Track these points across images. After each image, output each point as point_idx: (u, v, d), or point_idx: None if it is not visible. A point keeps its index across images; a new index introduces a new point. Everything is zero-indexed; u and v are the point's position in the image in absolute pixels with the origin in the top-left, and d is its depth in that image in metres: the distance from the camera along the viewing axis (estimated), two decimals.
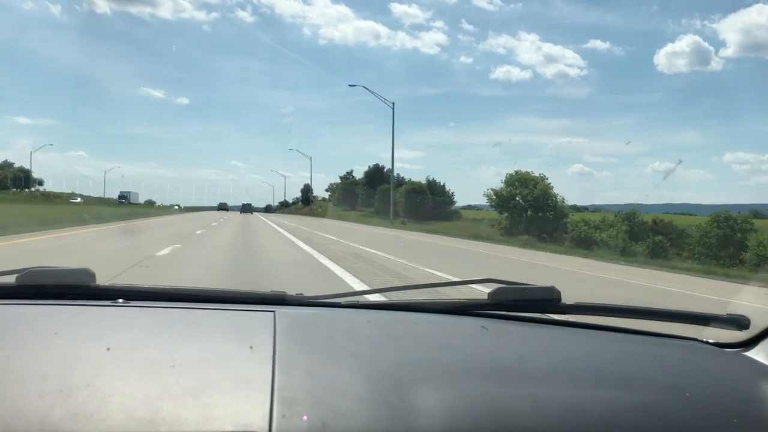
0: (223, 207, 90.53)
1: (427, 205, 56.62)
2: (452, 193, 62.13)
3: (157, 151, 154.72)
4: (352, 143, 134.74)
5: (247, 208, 78.12)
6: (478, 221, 48.51)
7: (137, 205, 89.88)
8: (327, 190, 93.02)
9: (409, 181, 63.34)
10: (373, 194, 66.44)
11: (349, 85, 71.80)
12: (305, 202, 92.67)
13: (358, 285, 8.76)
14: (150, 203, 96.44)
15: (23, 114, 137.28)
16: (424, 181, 62.33)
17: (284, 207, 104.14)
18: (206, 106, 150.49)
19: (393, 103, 48.54)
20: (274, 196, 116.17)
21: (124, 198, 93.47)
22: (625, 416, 0.91)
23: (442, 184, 62.98)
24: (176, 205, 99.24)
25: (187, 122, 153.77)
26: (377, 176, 69.85)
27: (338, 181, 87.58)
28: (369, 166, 79.91)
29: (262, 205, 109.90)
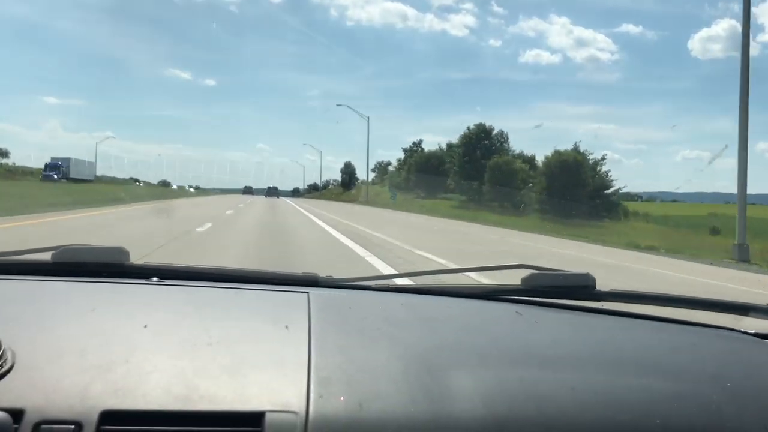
0: (248, 190, 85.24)
1: (579, 192, 33.13)
2: (608, 173, 38.14)
3: (183, 132, 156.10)
4: (379, 128, 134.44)
5: (272, 192, 74.95)
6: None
7: (84, 182, 58.09)
8: (374, 170, 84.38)
9: (555, 151, 37.62)
10: (475, 170, 42.05)
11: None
12: (346, 185, 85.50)
13: None
14: (165, 184, 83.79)
15: (52, 94, 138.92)
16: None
17: (314, 191, 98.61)
18: (232, 88, 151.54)
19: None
20: (304, 179, 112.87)
21: (54, 170, 57.40)
22: (664, 405, 0.89)
23: (597, 157, 38.40)
24: (193, 186, 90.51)
25: (214, 104, 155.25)
26: (478, 144, 42.80)
27: (400, 156, 73.91)
28: (468, 128, 51.63)
29: (289, 188, 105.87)
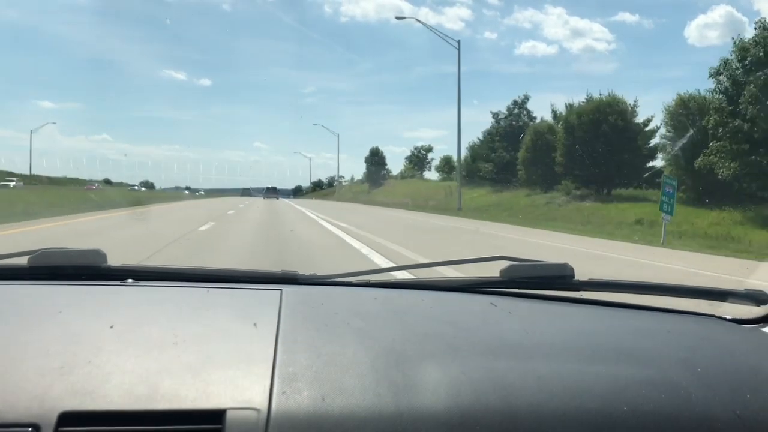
0: (246, 192, 79.15)
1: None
2: None
3: (180, 133, 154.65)
4: (375, 124, 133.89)
5: (271, 193, 65.91)
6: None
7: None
8: (411, 158, 73.53)
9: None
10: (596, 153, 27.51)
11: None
12: (373, 179, 69.86)
13: None
14: (148, 185, 79.49)
15: (47, 98, 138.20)
16: None
17: (319, 188, 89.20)
18: (228, 87, 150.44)
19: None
20: (311, 175, 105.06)
21: None
22: (633, 391, 0.89)
23: None
24: (186, 188, 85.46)
25: (210, 104, 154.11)
26: (604, 120, 28.02)
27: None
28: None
29: (290, 186, 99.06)
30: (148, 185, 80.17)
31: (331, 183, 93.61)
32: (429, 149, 76.02)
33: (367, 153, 75.71)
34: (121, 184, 74.12)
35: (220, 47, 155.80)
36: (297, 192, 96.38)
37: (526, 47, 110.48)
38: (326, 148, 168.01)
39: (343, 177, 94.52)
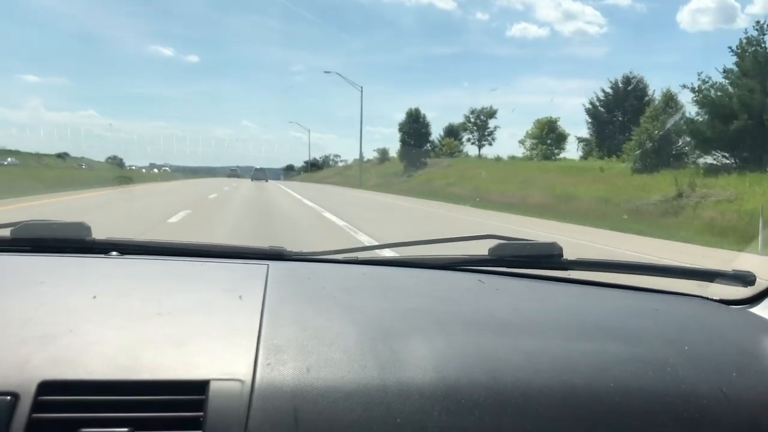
0: (233, 173, 69.07)
1: None
2: None
3: (167, 110, 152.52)
4: (365, 104, 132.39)
5: (260, 175, 55.99)
6: None
7: None
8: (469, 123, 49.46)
9: None
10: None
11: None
12: (410, 159, 44.51)
13: None
14: (117, 162, 66.78)
15: (31, 72, 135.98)
16: None
17: (316, 168, 76.26)
18: (216, 64, 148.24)
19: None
20: (310, 153, 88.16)
21: None
22: (619, 368, 0.89)
23: None
24: (159, 167, 73.25)
25: (197, 81, 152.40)
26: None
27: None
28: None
29: (279, 166, 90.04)
30: (117, 161, 68.88)
31: (327, 162, 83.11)
32: (491, 113, 49.15)
33: (354, 133, 60.37)
34: (82, 159, 63.93)
35: (209, 23, 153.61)
36: (289, 172, 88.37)
37: (517, 29, 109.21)
38: (316, 128, 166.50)
39: (339, 156, 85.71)
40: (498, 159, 43.20)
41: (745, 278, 1.24)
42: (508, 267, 1.29)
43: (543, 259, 1.29)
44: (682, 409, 0.85)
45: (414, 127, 49.44)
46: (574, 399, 0.84)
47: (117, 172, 46.77)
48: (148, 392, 0.75)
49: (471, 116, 52.49)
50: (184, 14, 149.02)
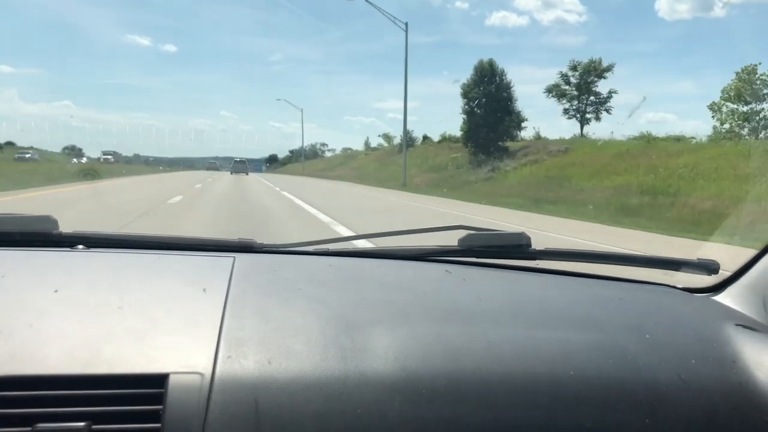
0: (212, 166, 63.55)
1: None
2: None
3: (145, 101, 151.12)
4: (344, 93, 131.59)
5: (240, 167, 50.46)
6: None
7: None
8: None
9: None
10: None
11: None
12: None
13: None
14: (76, 152, 57.56)
15: (6, 63, 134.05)
16: None
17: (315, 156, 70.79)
18: (193, 54, 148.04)
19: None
20: (301, 141, 76.49)
21: None
22: (580, 356, 0.90)
23: None
24: (110, 154, 61.15)
25: (175, 71, 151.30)
26: None
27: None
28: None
29: (258, 156, 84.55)
30: (75, 151, 59.08)
31: (315, 152, 78.32)
32: (603, 69, 33.05)
33: (337, 122, 50.29)
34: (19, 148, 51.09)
35: (186, 12, 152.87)
36: (273, 164, 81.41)
37: (497, 17, 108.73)
38: (295, 118, 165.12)
39: (326, 145, 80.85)
40: (679, 139, 25.05)
41: (709, 267, 1.25)
42: (477, 257, 1.30)
43: (511, 249, 1.30)
44: (640, 395, 0.86)
45: (488, 91, 30.97)
46: (534, 387, 0.85)
47: (74, 165, 41.31)
48: (106, 386, 0.75)
49: (571, 74, 33.17)
50: (161, 3, 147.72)
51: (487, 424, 0.81)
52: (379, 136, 57.40)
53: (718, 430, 0.86)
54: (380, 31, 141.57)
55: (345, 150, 70.69)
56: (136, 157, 79.76)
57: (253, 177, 41.55)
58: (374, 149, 54.05)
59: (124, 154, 74.04)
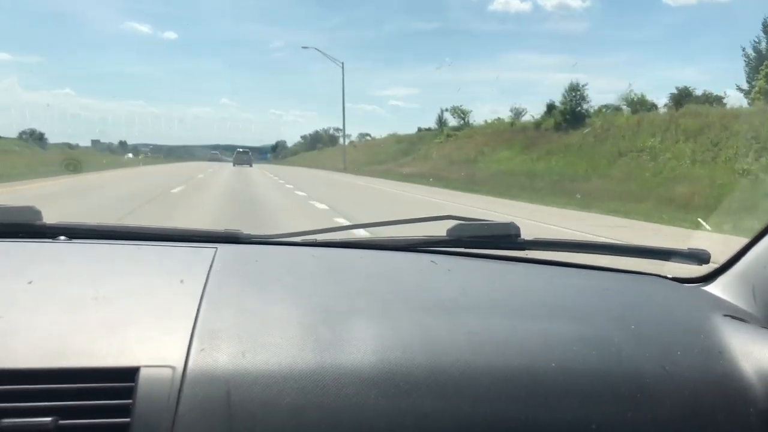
0: (214, 157, 60.21)
1: None
2: None
3: (145, 89, 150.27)
4: (345, 81, 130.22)
5: (243, 159, 46.72)
6: None
7: None
8: None
9: None
10: None
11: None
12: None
13: None
14: (36, 137, 46.71)
15: (4, 50, 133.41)
16: None
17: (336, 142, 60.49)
18: (194, 41, 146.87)
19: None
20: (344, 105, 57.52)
21: None
22: (562, 348, 0.89)
23: None
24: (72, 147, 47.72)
25: (175, 59, 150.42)
26: None
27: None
28: None
29: (260, 145, 78.80)
30: (36, 137, 47.51)
31: (332, 139, 66.97)
32: None
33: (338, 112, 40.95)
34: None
35: None
36: (281, 152, 73.94)
37: (499, 3, 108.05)
38: (295, 105, 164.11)
39: (340, 130, 63.63)
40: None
41: (699, 256, 1.24)
42: (465, 248, 1.29)
43: (500, 240, 1.28)
44: (623, 388, 0.85)
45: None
46: (515, 379, 0.84)
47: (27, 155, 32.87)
48: (75, 380, 0.73)
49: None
50: None
51: (467, 416, 0.80)
52: (447, 110, 41.47)
53: (703, 422, 0.85)
54: (380, 19, 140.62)
55: (362, 136, 61.58)
56: (122, 145, 68.06)
57: (257, 169, 37.40)
58: (453, 131, 38.34)
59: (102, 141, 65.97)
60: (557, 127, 28.23)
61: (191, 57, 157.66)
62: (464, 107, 40.64)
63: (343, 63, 40.42)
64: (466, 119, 40.03)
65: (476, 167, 27.74)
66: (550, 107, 29.71)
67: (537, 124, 30.20)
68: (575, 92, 28.58)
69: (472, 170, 26.68)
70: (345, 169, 38.77)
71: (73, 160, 26.94)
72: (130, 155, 57.48)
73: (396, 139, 48.61)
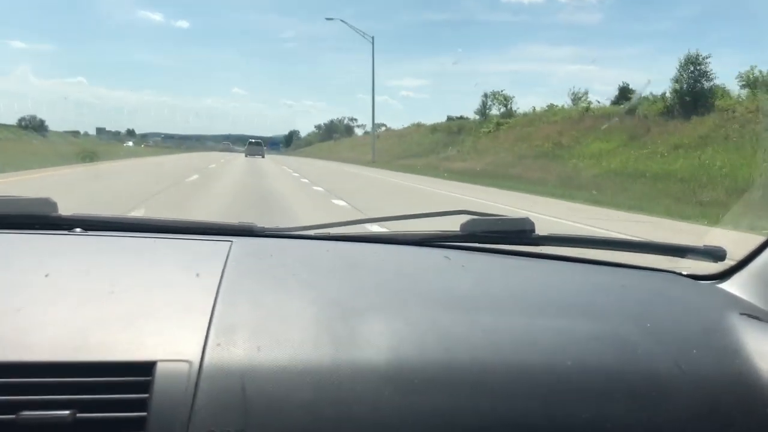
0: (226, 147, 59.44)
1: None
2: None
3: (156, 78, 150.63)
4: (355, 72, 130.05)
5: (255, 149, 44.92)
6: None
7: None
8: None
9: None
10: None
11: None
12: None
13: None
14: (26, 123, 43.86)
15: (18, 38, 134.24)
16: None
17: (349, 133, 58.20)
18: (206, 30, 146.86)
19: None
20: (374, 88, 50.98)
21: None
22: (579, 345, 0.88)
23: None
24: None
25: (187, 48, 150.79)
26: None
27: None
28: None
29: (271, 135, 77.34)
30: (35, 123, 44.23)
31: (347, 128, 63.32)
32: None
33: (344, 101, 37.44)
34: None
35: None
36: (296, 142, 69.86)
37: None
38: (307, 95, 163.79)
39: (356, 120, 63.38)
40: None
41: (715, 254, 1.23)
42: (480, 243, 1.28)
43: (514, 235, 1.28)
44: (639, 386, 0.85)
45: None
46: (530, 377, 0.83)
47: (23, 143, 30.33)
48: (92, 374, 0.74)
49: None
50: None
51: (482, 414, 0.79)
52: (486, 96, 35.90)
53: (719, 421, 0.84)
54: (392, 9, 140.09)
55: (377, 126, 54.60)
56: (130, 134, 64.87)
57: (276, 169, 28.52)
58: (503, 120, 33.02)
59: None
60: (668, 112, 21.27)
61: (203, 46, 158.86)
62: (505, 92, 35.69)
63: (373, 37, 36.57)
64: (509, 106, 34.88)
65: (564, 165, 21.29)
66: (624, 90, 24.89)
67: (631, 110, 23.08)
68: (694, 67, 20.73)
69: (562, 169, 20.49)
70: (373, 162, 33.56)
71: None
72: (130, 143, 54.67)
73: (424, 129, 43.58)
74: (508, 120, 32.88)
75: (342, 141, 57.81)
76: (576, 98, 29.95)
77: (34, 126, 44.61)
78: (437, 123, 42.88)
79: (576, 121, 26.54)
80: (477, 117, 36.95)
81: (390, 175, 24.16)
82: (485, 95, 36.38)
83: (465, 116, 39.87)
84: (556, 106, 31.07)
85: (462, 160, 28.90)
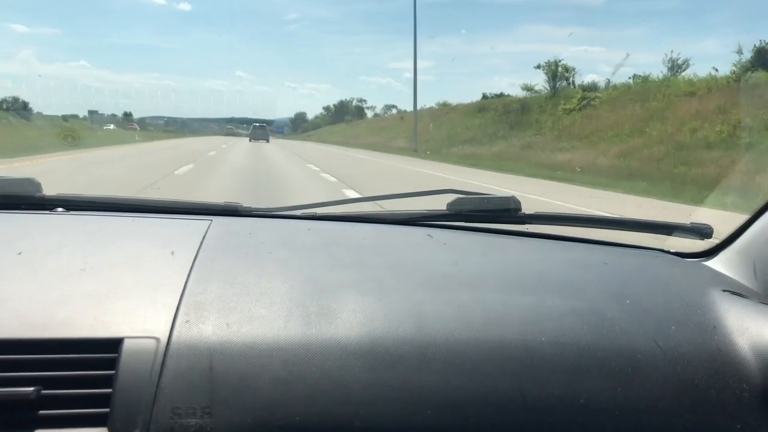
0: (230, 131, 57.16)
1: None
2: None
3: (159, 61, 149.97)
4: (358, 54, 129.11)
5: (260, 134, 43.15)
6: None
7: None
8: None
9: None
10: None
11: None
12: None
13: None
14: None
15: (20, 22, 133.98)
16: None
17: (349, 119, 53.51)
18: (209, 12, 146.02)
19: None
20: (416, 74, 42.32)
21: None
22: (555, 322, 0.88)
23: None
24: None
25: (190, 30, 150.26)
26: None
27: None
28: None
29: (275, 118, 73.48)
30: (18, 105, 39.45)
31: (359, 110, 57.74)
32: None
33: (350, 84, 31.64)
34: None
35: None
36: (298, 126, 66.92)
37: None
38: (311, 78, 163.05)
39: (365, 101, 58.49)
40: None
41: (702, 231, 1.22)
42: (465, 222, 1.28)
43: (500, 213, 1.27)
44: (614, 362, 0.84)
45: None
46: (503, 352, 0.83)
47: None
48: (59, 351, 0.74)
49: None
50: None
51: (453, 389, 0.79)
52: (539, 67, 28.73)
53: (695, 397, 0.83)
54: None
55: (387, 108, 50.26)
56: (127, 117, 59.37)
57: (277, 146, 28.92)
58: (588, 93, 25.47)
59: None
60: None
61: (206, 29, 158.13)
62: (565, 63, 27.94)
63: None
64: (571, 79, 27.76)
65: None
66: (761, 51, 17.93)
67: None
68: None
69: None
70: (415, 152, 25.77)
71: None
72: (112, 126, 48.05)
73: (463, 109, 35.01)
74: (597, 94, 24.96)
75: (356, 123, 51.91)
76: (675, 66, 22.96)
77: (15, 108, 39.19)
78: (483, 101, 34.79)
79: (734, 91, 18.12)
80: (527, 93, 29.23)
81: (470, 175, 14.83)
82: (556, 63, 28.32)
83: (503, 93, 33.52)
84: (649, 76, 23.95)
85: (557, 149, 20.80)
